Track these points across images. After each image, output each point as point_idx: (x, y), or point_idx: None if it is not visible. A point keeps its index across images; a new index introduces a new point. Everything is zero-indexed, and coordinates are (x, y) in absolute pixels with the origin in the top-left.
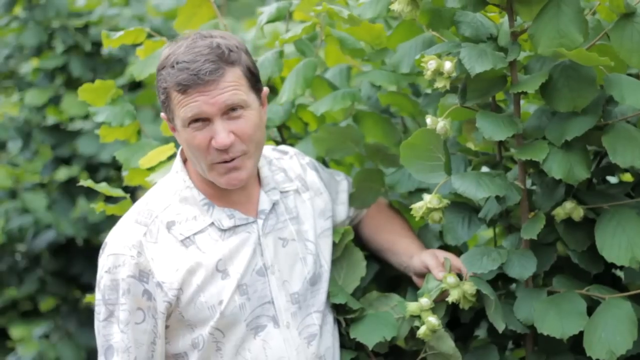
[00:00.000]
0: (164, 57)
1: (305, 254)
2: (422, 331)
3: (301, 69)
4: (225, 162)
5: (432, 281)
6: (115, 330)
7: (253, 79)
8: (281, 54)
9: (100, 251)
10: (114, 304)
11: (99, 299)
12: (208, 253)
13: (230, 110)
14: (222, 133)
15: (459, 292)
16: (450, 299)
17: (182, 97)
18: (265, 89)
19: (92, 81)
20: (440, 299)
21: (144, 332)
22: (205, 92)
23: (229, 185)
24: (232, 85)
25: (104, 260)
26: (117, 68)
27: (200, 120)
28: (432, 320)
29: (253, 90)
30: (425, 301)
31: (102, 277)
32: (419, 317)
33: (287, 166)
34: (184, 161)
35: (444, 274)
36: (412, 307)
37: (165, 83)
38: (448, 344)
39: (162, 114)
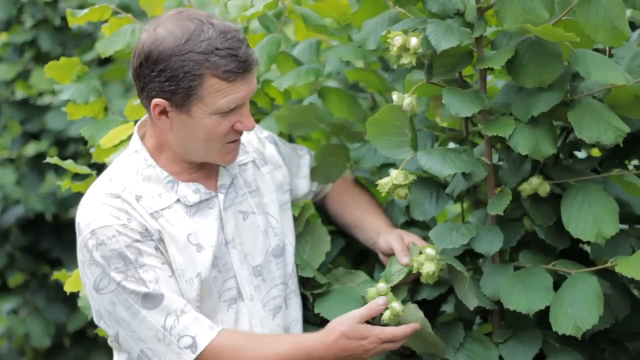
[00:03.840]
0: (184, 40)
1: (266, 227)
2: (386, 316)
3: (265, 46)
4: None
5: (395, 264)
6: (143, 284)
7: None
8: (245, 29)
9: (78, 233)
10: (125, 271)
11: (98, 274)
12: (178, 227)
13: None
14: (250, 117)
15: (437, 265)
16: (425, 270)
17: (227, 85)
18: None
19: (62, 55)
20: (404, 282)
21: (170, 280)
22: (247, 81)
23: (229, 163)
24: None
25: (89, 238)
26: (86, 42)
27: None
28: (396, 306)
29: None
30: (382, 286)
31: (93, 253)
32: None
33: (245, 140)
34: (142, 139)
35: (422, 246)
36: (371, 292)
37: (201, 70)
38: (417, 314)
39: (160, 100)
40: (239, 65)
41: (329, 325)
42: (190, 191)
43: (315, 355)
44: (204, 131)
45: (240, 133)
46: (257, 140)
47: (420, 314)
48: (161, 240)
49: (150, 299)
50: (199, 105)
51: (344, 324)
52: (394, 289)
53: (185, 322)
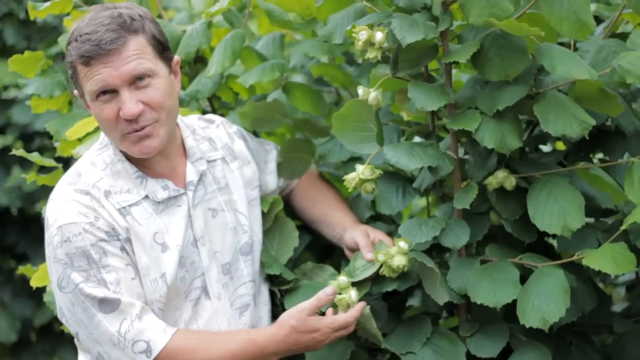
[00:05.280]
0: (70, 31)
1: (235, 224)
2: (338, 299)
3: (229, 41)
4: (136, 131)
5: (359, 260)
6: (100, 288)
7: (160, 47)
8: (209, 24)
9: (46, 228)
10: (87, 270)
11: (60, 272)
12: (145, 226)
13: (137, 80)
14: (129, 103)
15: (407, 259)
16: (395, 264)
17: (87, 69)
18: (177, 57)
19: (27, 49)
20: (367, 279)
21: (133, 283)
22: (108, 64)
23: (141, 154)
24: (136, 54)
25: (56, 234)
26: (52, 36)
27: (108, 92)
28: (353, 295)
29: (160, 58)
30: (342, 279)
31: (57, 250)
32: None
33: (214, 135)
34: None
35: (395, 239)
36: (332, 285)
37: (71, 57)
38: (371, 323)
39: (75, 91)
40: (92, 48)
41: (279, 319)
42: (159, 187)
43: (268, 351)
44: (97, 119)
45: (135, 122)
46: (226, 135)
47: (374, 324)
48: (128, 239)
49: (107, 304)
50: (85, 93)
51: (293, 317)
52: (357, 284)
53: (139, 327)
